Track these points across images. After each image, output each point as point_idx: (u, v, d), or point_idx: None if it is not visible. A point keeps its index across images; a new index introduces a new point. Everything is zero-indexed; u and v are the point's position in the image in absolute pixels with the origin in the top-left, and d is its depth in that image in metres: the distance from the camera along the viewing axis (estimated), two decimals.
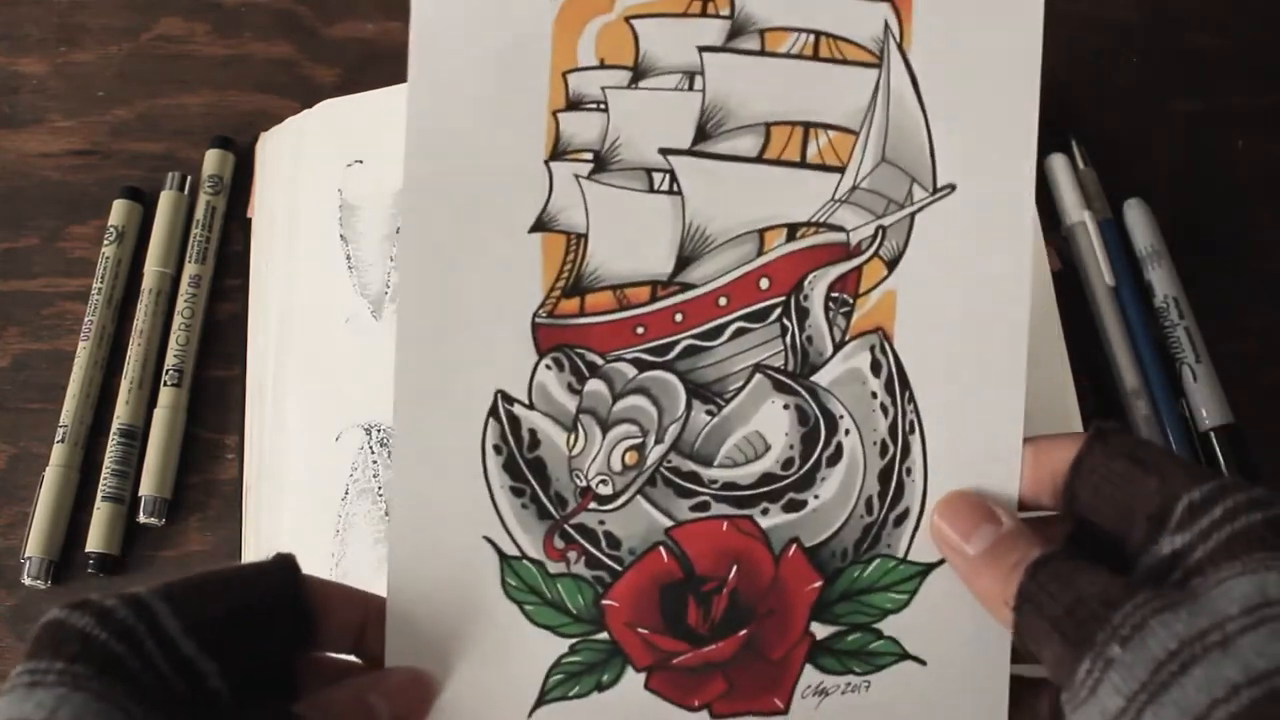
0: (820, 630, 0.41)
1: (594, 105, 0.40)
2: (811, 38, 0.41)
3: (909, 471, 0.41)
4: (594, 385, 0.41)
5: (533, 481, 0.41)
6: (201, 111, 0.65)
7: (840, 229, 0.41)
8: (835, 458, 0.42)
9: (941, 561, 0.41)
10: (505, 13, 0.40)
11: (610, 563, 0.41)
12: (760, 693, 0.41)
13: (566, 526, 0.41)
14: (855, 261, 0.41)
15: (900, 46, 0.41)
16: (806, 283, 0.41)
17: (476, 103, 0.40)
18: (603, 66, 0.40)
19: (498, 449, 0.40)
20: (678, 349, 0.41)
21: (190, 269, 0.60)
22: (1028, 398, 0.42)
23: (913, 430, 0.41)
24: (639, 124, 0.41)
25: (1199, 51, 0.68)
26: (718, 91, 0.41)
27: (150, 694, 0.32)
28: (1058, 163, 0.63)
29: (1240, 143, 0.65)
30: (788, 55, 0.41)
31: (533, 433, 0.40)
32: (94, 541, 0.54)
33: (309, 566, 0.51)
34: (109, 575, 0.55)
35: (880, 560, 0.41)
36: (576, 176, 0.40)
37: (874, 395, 0.41)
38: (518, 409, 0.40)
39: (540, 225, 0.40)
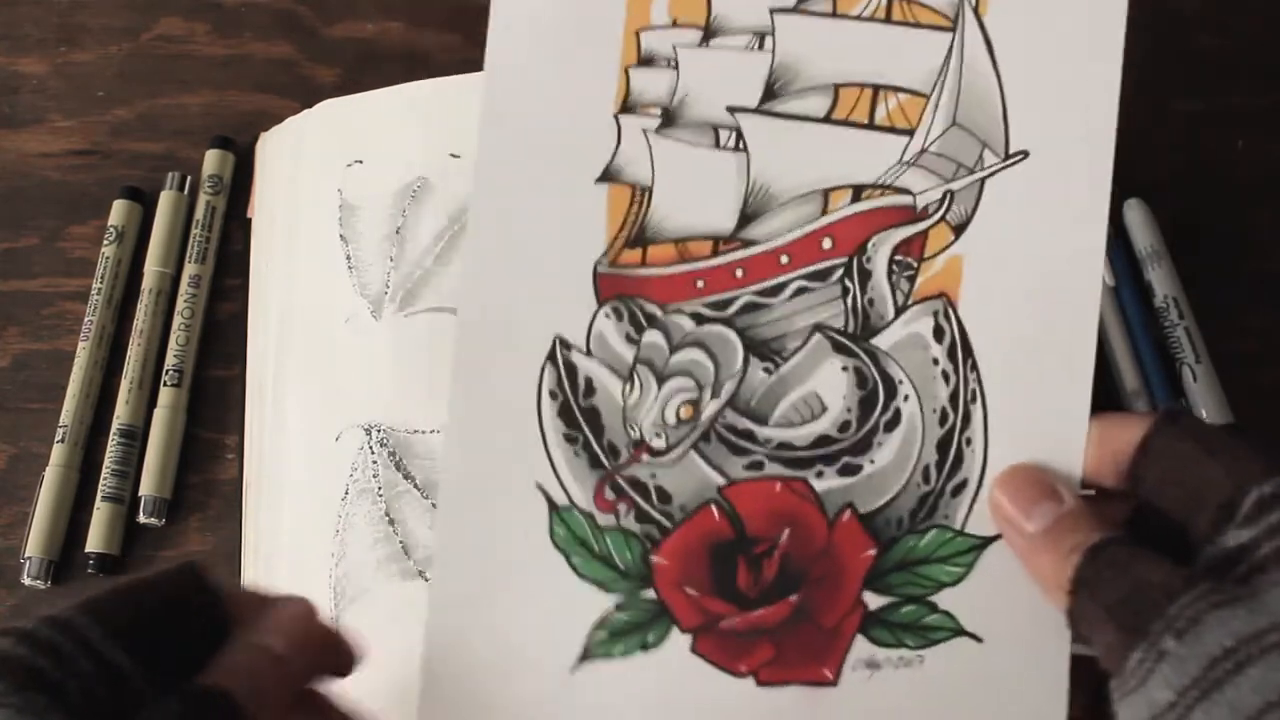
0: (873, 600, 0.41)
1: (665, 62, 0.41)
2: (885, 0, 0.41)
3: (969, 441, 0.41)
4: (652, 336, 0.41)
5: (586, 430, 0.41)
6: (201, 111, 0.65)
7: (907, 192, 0.41)
8: (893, 423, 0.41)
9: (1000, 535, 0.41)
10: None
11: (661, 518, 0.40)
12: (809, 662, 0.40)
13: (618, 478, 0.40)
14: (921, 225, 0.41)
15: (975, 9, 0.41)
16: (870, 245, 0.41)
17: (553, 55, 0.41)
18: (675, 25, 0.41)
19: (554, 394, 0.40)
20: (737, 305, 0.41)
21: (190, 269, 0.60)
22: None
23: (974, 400, 0.41)
24: (708, 82, 0.41)
25: (1199, 51, 0.68)
26: (787, 52, 0.41)
27: (74, 701, 0.33)
28: None
29: (1240, 143, 0.65)
30: (859, 18, 0.41)
31: (589, 380, 0.40)
32: (94, 541, 0.54)
33: (309, 566, 0.51)
34: (109, 575, 0.55)
35: (937, 531, 0.41)
36: (645, 131, 0.41)
37: (935, 362, 0.41)
38: (575, 355, 0.40)
39: (607, 176, 0.41)
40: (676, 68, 0.41)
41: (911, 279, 0.41)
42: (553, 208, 0.41)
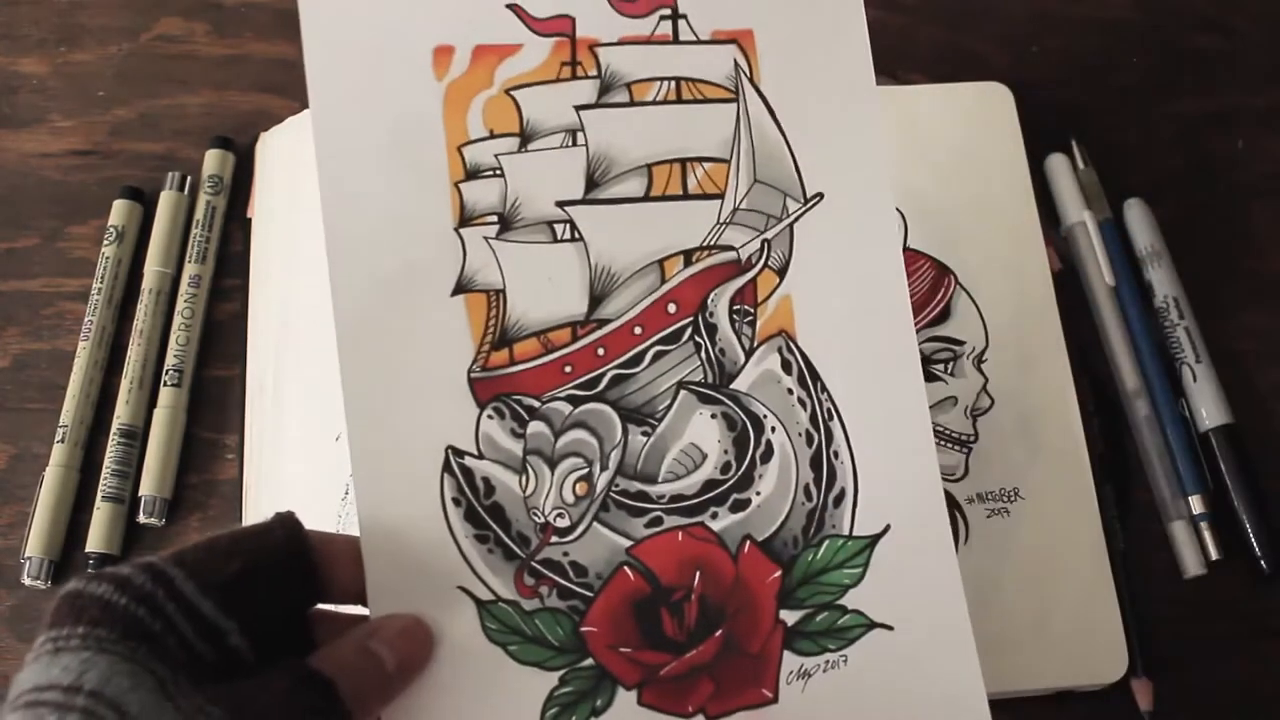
0: (790, 616, 0.43)
1: (491, 172, 0.44)
2: (672, 84, 0.46)
3: (836, 454, 0.45)
4: (535, 427, 0.43)
5: (494, 526, 0.42)
6: (201, 111, 0.65)
7: (730, 248, 0.45)
8: (768, 454, 0.44)
9: (885, 530, 0.44)
10: (398, 99, 0.43)
11: (581, 590, 0.42)
12: (748, 686, 0.43)
13: (533, 564, 0.42)
14: (748, 275, 0.45)
15: (751, 80, 0.46)
16: (710, 301, 0.45)
17: (385, 183, 0.43)
18: (493, 136, 0.44)
19: (456, 501, 0.42)
20: (605, 380, 0.44)
21: (190, 269, 0.60)
22: (1029, 397, 0.48)
23: (831, 417, 0.45)
24: (534, 183, 0.44)
25: (1199, 51, 0.68)
26: (599, 143, 0.45)
27: (173, 654, 0.33)
28: (1058, 163, 0.63)
29: (1240, 143, 0.65)
30: (654, 102, 0.45)
31: (486, 480, 0.42)
32: (94, 541, 0.55)
33: None
34: None
35: (829, 541, 0.44)
36: (486, 239, 0.43)
37: (790, 391, 0.45)
38: (469, 460, 0.42)
39: (461, 288, 0.43)
40: (502, 175, 0.44)
41: (752, 323, 0.45)
42: (417, 326, 0.43)
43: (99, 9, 0.68)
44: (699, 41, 0.46)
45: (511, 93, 0.45)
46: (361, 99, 0.43)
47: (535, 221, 0.44)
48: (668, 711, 0.42)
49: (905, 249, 0.59)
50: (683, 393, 0.44)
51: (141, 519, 0.55)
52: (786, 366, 0.45)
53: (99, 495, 0.55)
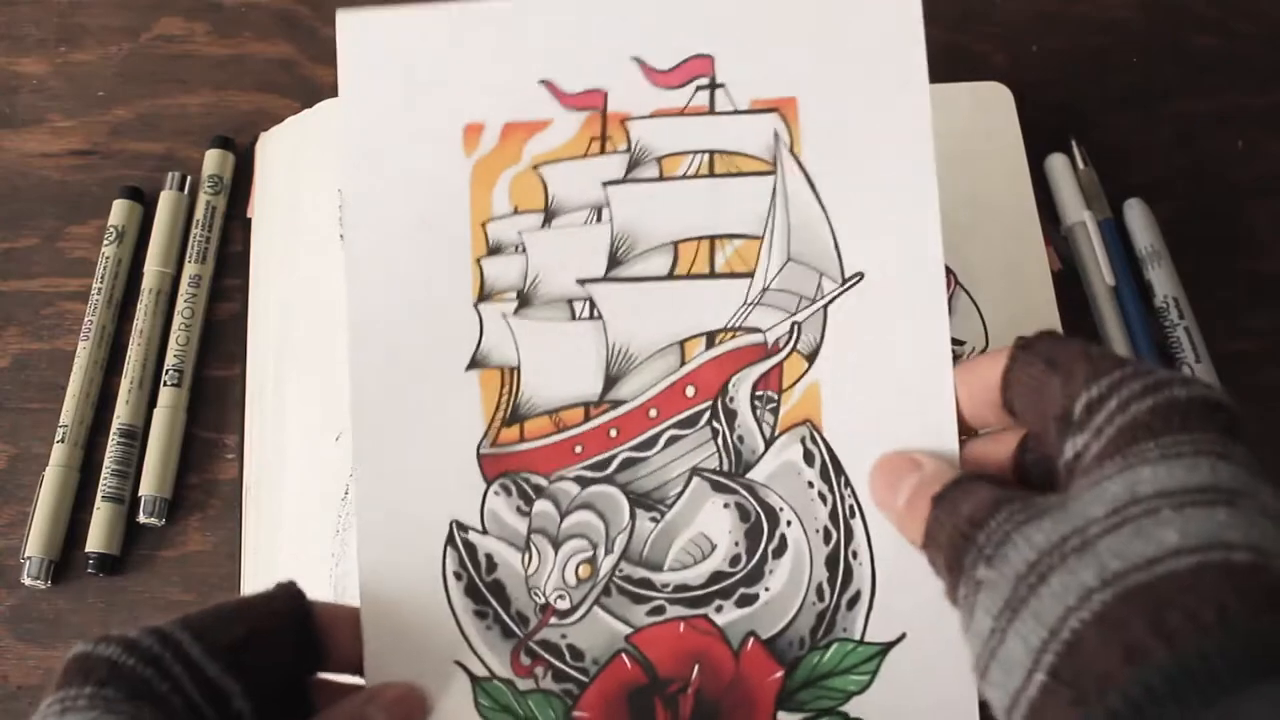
0: (791, 717, 0.42)
1: (513, 249, 0.44)
2: (706, 157, 0.44)
3: (855, 555, 0.43)
4: (541, 506, 0.43)
5: (494, 603, 0.42)
6: (201, 111, 0.65)
7: (757, 330, 0.43)
8: (780, 549, 0.43)
9: (900, 639, 0.42)
10: (427, 175, 0.44)
11: (576, 674, 0.42)
12: None
13: (530, 643, 0.42)
14: (775, 359, 0.43)
15: (791, 151, 0.44)
16: (731, 385, 0.43)
17: (410, 257, 0.43)
18: (517, 213, 0.44)
19: (458, 575, 0.42)
20: (616, 463, 0.43)
21: (190, 269, 0.60)
22: None
23: (853, 514, 0.43)
24: (556, 260, 0.44)
25: (1199, 51, 0.68)
26: (624, 220, 0.44)
27: (179, 716, 0.33)
28: (1058, 163, 0.63)
29: (1240, 143, 0.65)
30: (685, 177, 0.44)
31: (489, 557, 0.42)
32: (94, 541, 0.54)
33: (310, 566, 0.51)
34: (109, 575, 0.55)
35: (838, 644, 0.42)
36: (504, 315, 0.43)
37: (810, 485, 0.43)
38: (473, 535, 0.42)
39: (475, 363, 0.43)
40: (525, 252, 0.44)
41: (775, 410, 0.43)
42: (430, 400, 0.43)
43: (99, 9, 0.68)
44: (737, 112, 0.44)
45: (539, 169, 0.44)
46: (392, 175, 0.44)
47: (554, 299, 0.44)
48: None
49: None
50: (695, 480, 0.43)
51: (141, 519, 0.55)
52: (809, 458, 0.43)
53: (99, 495, 0.55)
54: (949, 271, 0.58)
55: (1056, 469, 0.36)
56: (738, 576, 0.43)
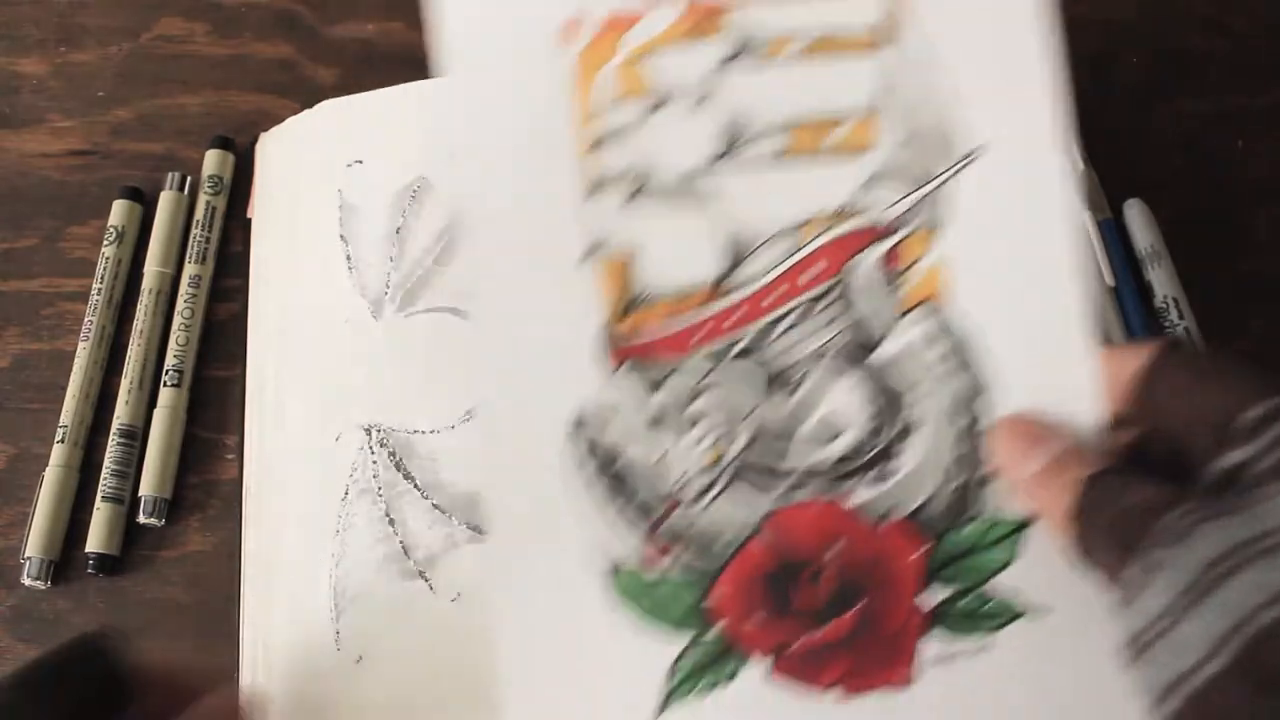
0: (930, 598, 0.41)
1: (619, 140, 0.43)
2: (812, 37, 0.43)
3: (984, 434, 0.42)
4: (666, 391, 0.42)
5: (622, 492, 0.42)
6: (201, 111, 0.65)
7: (876, 209, 0.42)
8: (911, 428, 0.42)
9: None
10: (527, 73, 0.43)
11: (710, 560, 0.41)
12: (884, 666, 0.41)
13: (661, 530, 0.42)
14: (895, 238, 0.42)
15: (901, 28, 0.43)
16: (852, 265, 0.42)
17: (515, 155, 0.43)
18: (622, 104, 0.43)
19: (584, 464, 0.42)
20: (740, 346, 0.42)
21: (190, 269, 0.60)
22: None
23: (984, 390, 0.42)
24: (665, 148, 0.43)
25: (1199, 51, 0.68)
26: (733, 105, 0.43)
27: None
28: None
29: (1240, 143, 0.65)
30: (792, 59, 0.43)
31: (615, 444, 0.42)
32: (94, 541, 0.54)
33: (309, 566, 0.51)
34: (109, 575, 0.55)
35: (976, 521, 0.41)
36: (616, 206, 0.43)
37: (936, 363, 0.42)
38: (598, 424, 0.42)
39: (591, 254, 0.43)
40: (631, 143, 0.43)
41: (898, 290, 0.42)
42: (548, 294, 0.42)
43: (99, 9, 0.68)
44: None
45: (640, 59, 0.44)
46: (492, 75, 0.43)
47: (666, 187, 0.43)
48: (799, 685, 0.41)
49: None
50: (822, 360, 0.42)
51: (141, 519, 0.55)
52: (934, 337, 0.42)
53: (99, 495, 0.55)
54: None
55: (1188, 469, 0.37)
56: (870, 455, 0.42)
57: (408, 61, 0.66)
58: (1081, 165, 0.63)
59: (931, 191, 0.42)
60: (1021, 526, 0.41)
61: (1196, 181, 0.64)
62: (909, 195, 0.42)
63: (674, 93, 0.43)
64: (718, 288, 0.43)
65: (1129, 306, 0.59)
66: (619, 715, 0.41)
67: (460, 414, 0.54)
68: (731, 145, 0.43)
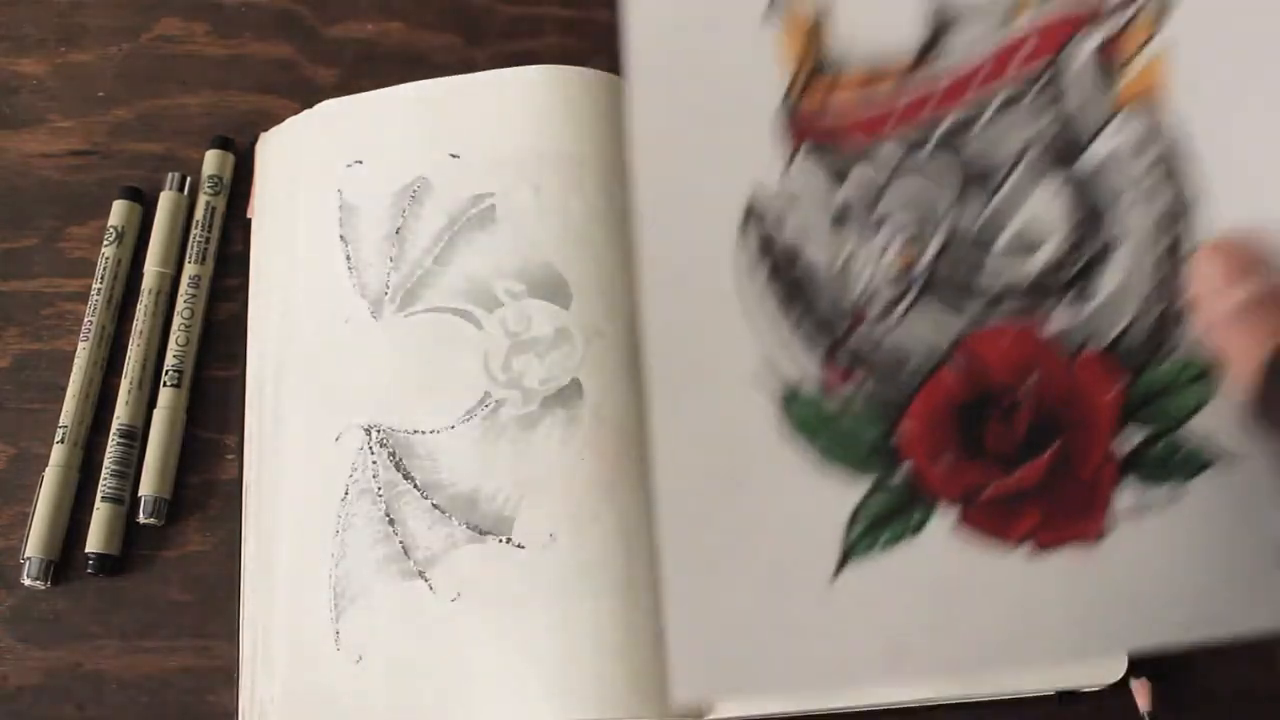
0: (1128, 440, 0.37)
1: None
2: None
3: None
4: (856, 179, 0.37)
5: (800, 301, 0.37)
6: (201, 111, 0.65)
7: None
8: (1114, 245, 0.38)
9: None
10: None
11: (898, 386, 0.37)
12: (1077, 517, 0.37)
13: (845, 348, 0.37)
14: (1119, 20, 0.38)
15: None
16: (1069, 49, 0.38)
17: None
18: None
19: (758, 265, 0.37)
20: (939, 133, 0.38)
21: (190, 269, 0.60)
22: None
23: (1194, 205, 0.37)
24: None
25: None
26: None
27: None
28: None
29: None
30: None
31: (795, 242, 0.37)
32: (94, 542, 0.54)
33: (309, 566, 0.51)
34: (109, 575, 0.55)
35: (1176, 355, 0.37)
36: None
37: (1150, 171, 0.38)
38: (775, 216, 0.37)
39: (775, 9, 0.38)
40: None
41: (1117, 82, 0.38)
42: (722, 54, 0.37)
43: (99, 9, 0.68)
44: None
45: None
46: None
47: None
48: (991, 537, 0.37)
49: None
50: (1026, 157, 0.38)
51: (141, 519, 0.55)
52: (1150, 140, 0.38)
53: (99, 495, 0.55)
54: None
55: None
56: (1071, 274, 0.38)
57: (408, 61, 0.66)
58: None
59: None
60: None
61: None
62: None
63: None
64: (918, 62, 0.38)
65: None
66: (793, 570, 0.36)
67: (460, 414, 0.54)
68: None
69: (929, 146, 0.37)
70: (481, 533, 0.52)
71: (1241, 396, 0.34)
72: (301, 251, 0.59)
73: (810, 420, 0.36)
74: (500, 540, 0.52)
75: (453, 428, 0.54)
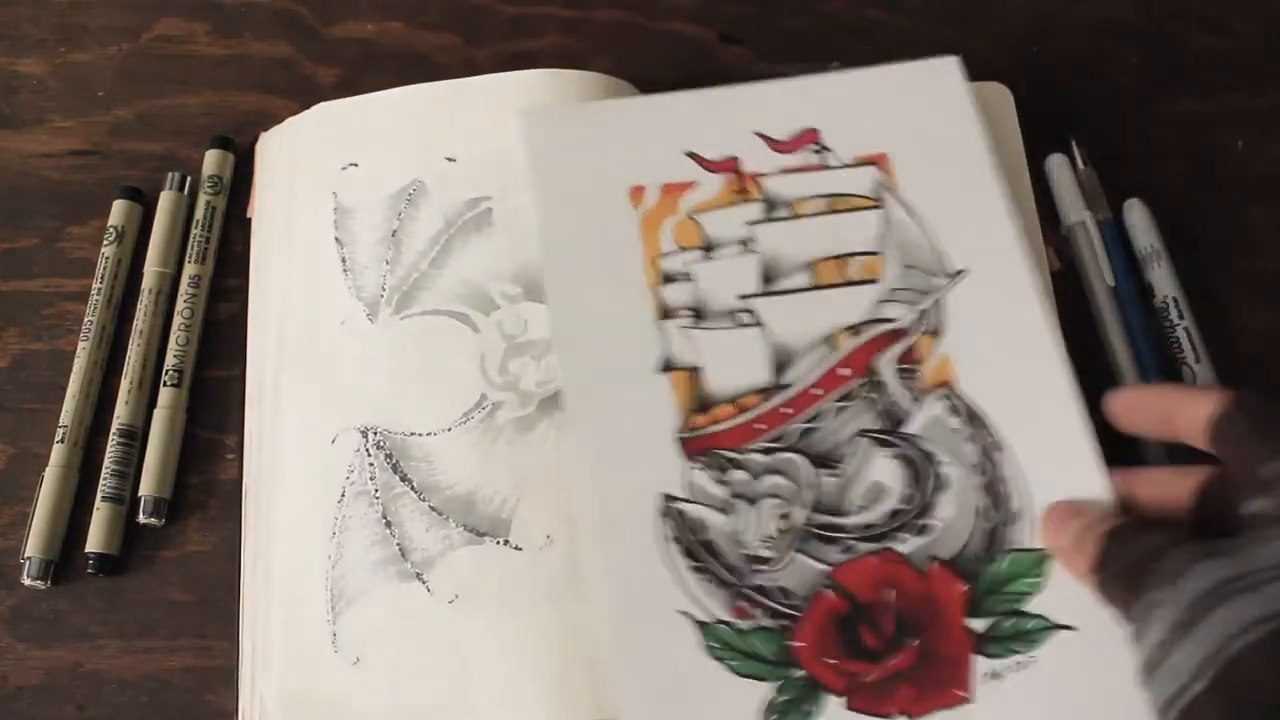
0: (978, 625, 0.49)
1: (682, 277, 0.55)
2: (825, 199, 0.57)
3: (1008, 480, 0.51)
4: (738, 475, 0.51)
5: (709, 559, 0.50)
6: (201, 111, 0.65)
7: (890, 320, 0.54)
8: (943, 485, 0.51)
9: None
10: (606, 227, 0.56)
11: (789, 611, 0.49)
12: (945, 689, 0.48)
13: (745, 589, 0.49)
14: (909, 340, 0.54)
15: (890, 190, 0.57)
16: (877, 363, 0.53)
17: (600, 291, 0.54)
18: (682, 250, 0.55)
19: (674, 539, 0.50)
20: (794, 434, 0.52)
21: (190, 269, 0.60)
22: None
23: (998, 449, 0.52)
24: (718, 283, 0.55)
25: (1199, 51, 0.68)
26: (769, 249, 0.56)
27: None
28: (1058, 163, 0.63)
29: (1240, 143, 0.65)
30: (812, 215, 0.57)
31: (699, 520, 0.50)
32: (94, 541, 0.55)
33: (306, 568, 0.51)
34: (109, 575, 0.55)
35: (1009, 555, 0.50)
36: (683, 328, 0.54)
37: (957, 431, 0.52)
38: (682, 505, 0.50)
39: (666, 367, 0.53)
40: (693, 279, 0.55)
41: (916, 379, 0.53)
42: (632, 399, 0.52)
43: (99, 9, 0.68)
44: (844, 166, 0.57)
45: (694, 216, 0.56)
46: (579, 230, 0.55)
47: (722, 312, 0.54)
48: (875, 713, 0.48)
49: None
50: (862, 440, 0.52)
51: (141, 519, 0.55)
52: (952, 411, 0.52)
53: (99, 495, 0.55)
54: None
55: (1234, 515, 0.43)
56: (913, 512, 0.51)
57: (408, 61, 0.66)
58: (1083, 165, 0.63)
59: (930, 305, 0.54)
60: (1047, 557, 0.50)
61: (1196, 181, 0.64)
62: (915, 308, 0.54)
63: (723, 239, 0.56)
64: (771, 388, 0.53)
65: (1129, 307, 0.59)
66: None
67: (457, 416, 0.54)
68: (771, 278, 0.55)
69: (784, 450, 0.52)
70: (479, 535, 0.52)
71: (1094, 592, 0.45)
72: (298, 253, 0.59)
73: (724, 646, 0.48)
74: (497, 542, 0.52)
75: (449, 430, 0.54)
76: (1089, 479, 0.50)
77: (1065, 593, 0.48)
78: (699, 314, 0.54)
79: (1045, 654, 0.48)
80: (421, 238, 0.57)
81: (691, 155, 0.57)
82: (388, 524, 0.53)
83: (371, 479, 0.53)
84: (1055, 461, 0.51)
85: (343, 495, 0.53)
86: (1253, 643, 0.37)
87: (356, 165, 0.59)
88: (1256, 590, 0.38)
